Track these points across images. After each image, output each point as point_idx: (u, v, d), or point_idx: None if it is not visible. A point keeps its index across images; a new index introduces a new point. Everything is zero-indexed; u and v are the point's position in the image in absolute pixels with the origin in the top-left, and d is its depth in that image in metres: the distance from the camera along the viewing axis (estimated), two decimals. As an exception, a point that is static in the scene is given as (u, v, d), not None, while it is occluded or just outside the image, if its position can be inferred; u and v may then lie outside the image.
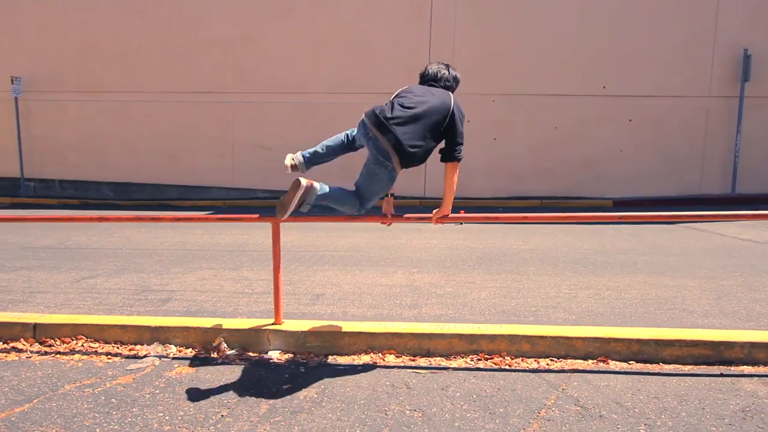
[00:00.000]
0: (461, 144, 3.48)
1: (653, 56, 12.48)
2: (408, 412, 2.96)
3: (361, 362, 3.68)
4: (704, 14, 12.29)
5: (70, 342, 4.02)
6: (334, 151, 3.72)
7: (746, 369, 3.46)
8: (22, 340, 4.08)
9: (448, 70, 3.71)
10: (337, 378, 3.42)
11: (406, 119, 3.33)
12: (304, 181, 3.44)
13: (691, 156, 12.74)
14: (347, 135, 3.71)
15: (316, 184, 3.50)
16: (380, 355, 3.77)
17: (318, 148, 3.72)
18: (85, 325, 4.08)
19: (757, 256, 6.60)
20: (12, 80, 13.89)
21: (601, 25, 12.48)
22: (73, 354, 3.85)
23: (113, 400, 3.13)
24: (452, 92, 3.62)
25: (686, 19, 12.33)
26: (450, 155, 3.47)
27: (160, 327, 4.00)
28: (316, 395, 3.18)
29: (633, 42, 12.47)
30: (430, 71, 3.69)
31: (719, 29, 12.29)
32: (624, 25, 12.44)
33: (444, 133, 3.45)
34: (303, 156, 3.69)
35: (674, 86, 12.54)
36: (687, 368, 3.50)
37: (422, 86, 3.63)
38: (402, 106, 3.39)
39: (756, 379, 3.32)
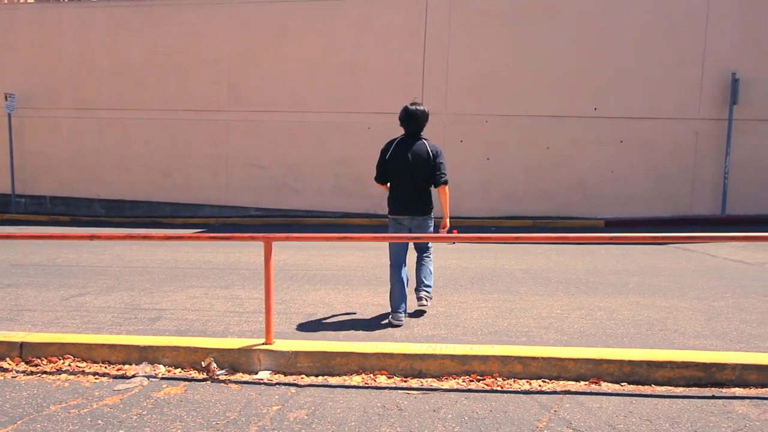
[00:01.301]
0: (444, 172, 4.68)
1: (643, 78, 12.66)
2: (399, 434, 2.93)
3: (352, 383, 3.64)
4: (693, 38, 12.52)
5: (57, 361, 3.97)
6: (401, 282, 4.78)
7: (738, 391, 3.46)
8: (8, 359, 4.02)
9: (423, 110, 4.71)
10: (328, 399, 3.38)
11: (410, 191, 4.68)
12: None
13: (682, 177, 12.85)
14: (393, 270, 4.84)
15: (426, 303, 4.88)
16: (372, 375, 3.74)
17: (400, 302, 4.72)
18: (73, 344, 4.03)
19: (747, 277, 6.63)
20: (6, 97, 13.88)
21: (592, 47, 12.68)
22: (60, 374, 3.79)
23: (99, 421, 3.08)
24: (423, 126, 4.73)
25: (676, 43, 12.54)
26: (438, 182, 4.68)
27: (149, 346, 3.96)
28: (306, 417, 3.14)
29: (624, 64, 12.66)
30: (411, 113, 4.68)
31: (708, 53, 12.51)
32: (615, 47, 12.64)
33: (432, 167, 4.65)
34: (401, 315, 4.69)
35: (664, 108, 12.70)
36: (679, 390, 3.49)
37: (406, 145, 4.68)
38: (404, 176, 4.65)
39: (747, 401, 3.32)
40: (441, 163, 4.65)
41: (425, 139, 4.74)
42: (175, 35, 13.75)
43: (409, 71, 13.06)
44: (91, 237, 4.13)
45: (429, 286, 4.92)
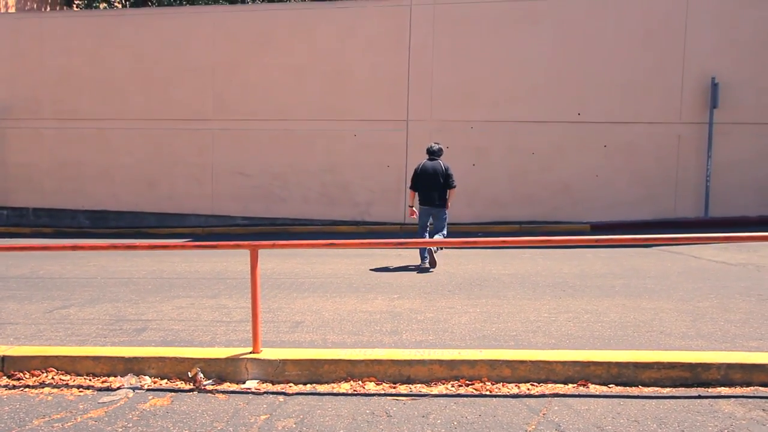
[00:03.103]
0: (453, 180, 7.69)
1: (625, 84, 12.82)
2: (388, 440, 2.92)
3: (341, 390, 3.63)
4: (673, 43, 12.71)
5: (40, 375, 3.90)
6: (423, 235, 7.81)
7: (723, 390, 3.49)
8: (-11, 373, 3.94)
9: (439, 146, 7.97)
10: (317, 407, 3.36)
11: (431, 192, 7.60)
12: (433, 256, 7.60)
13: (665, 180, 13.01)
14: (422, 229, 7.87)
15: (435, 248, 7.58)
16: (360, 382, 3.72)
17: (423, 253, 7.67)
18: (56, 357, 3.96)
19: (731, 278, 6.72)
20: (-14, 108, 13.72)
21: (574, 53, 12.82)
22: (43, 387, 3.73)
23: (84, 434, 3.03)
24: (442, 155, 7.88)
25: (655, 48, 12.73)
26: (450, 186, 7.68)
27: (134, 357, 3.91)
28: (294, 425, 3.11)
29: (606, 70, 12.81)
30: (432, 149, 7.88)
31: (687, 58, 12.71)
32: (597, 53, 12.80)
33: (445, 179, 7.58)
34: (424, 258, 7.65)
35: (646, 112, 12.86)
36: (666, 391, 3.52)
37: (429, 164, 7.69)
38: (427, 184, 7.60)
39: (733, 400, 3.35)
40: (451, 175, 7.67)
41: (440, 161, 7.76)
42: (159, 44, 13.68)
43: (394, 79, 13.11)
44: (74, 247, 4.08)
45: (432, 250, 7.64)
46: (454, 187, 7.68)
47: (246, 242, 3.89)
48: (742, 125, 12.77)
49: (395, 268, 7.80)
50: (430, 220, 7.81)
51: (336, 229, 13.07)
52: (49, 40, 14.00)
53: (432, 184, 7.54)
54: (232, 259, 8.63)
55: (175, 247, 4.14)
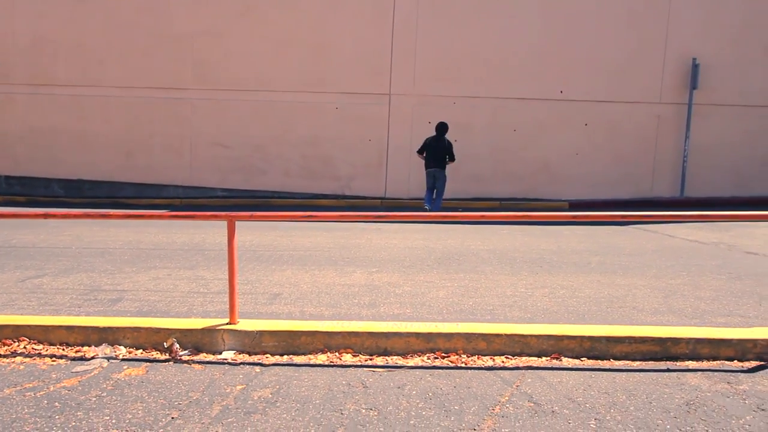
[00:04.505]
0: (453, 155, 10.89)
1: (608, 63, 12.86)
2: (364, 411, 2.95)
3: (317, 362, 3.64)
4: (655, 24, 12.75)
5: (11, 344, 3.84)
6: (430, 195, 10.98)
7: (691, 364, 3.59)
8: (-41, 342, 3.87)
9: (445, 124, 10.81)
10: (293, 378, 3.37)
11: (436, 159, 10.75)
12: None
13: (643, 160, 13.17)
14: (428, 192, 10.93)
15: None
16: (337, 354, 3.74)
17: (426, 201, 11.04)
18: (29, 326, 3.90)
19: (703, 256, 6.87)
20: (-45, 71, 13.23)
21: (558, 30, 12.78)
22: (15, 356, 3.68)
23: (56, 403, 3.00)
24: (446, 131, 10.81)
25: (638, 28, 12.75)
26: (451, 160, 10.90)
27: (108, 327, 3.87)
28: (270, 395, 3.12)
29: (589, 48, 12.82)
30: (438, 126, 10.80)
31: (669, 39, 12.76)
32: (580, 31, 12.78)
33: (447, 151, 10.72)
34: (426, 206, 11.02)
35: (627, 92, 12.94)
36: (636, 364, 3.61)
37: (435, 137, 10.72)
38: (434, 153, 10.77)
39: (700, 373, 3.45)
40: (452, 151, 10.57)
41: (446, 136, 10.53)
42: (137, 10, 13.28)
43: (378, 52, 12.94)
44: (45, 215, 3.98)
45: (431, 209, 10.83)
46: (454, 160, 10.49)
47: (223, 213, 3.85)
48: (721, 107, 12.94)
49: (374, 242, 7.81)
50: (434, 182, 10.86)
51: (317, 202, 13.02)
52: (21, 3, 13.48)
53: (437, 154, 10.24)
54: (210, 231, 8.56)
55: (151, 216, 4.06)
